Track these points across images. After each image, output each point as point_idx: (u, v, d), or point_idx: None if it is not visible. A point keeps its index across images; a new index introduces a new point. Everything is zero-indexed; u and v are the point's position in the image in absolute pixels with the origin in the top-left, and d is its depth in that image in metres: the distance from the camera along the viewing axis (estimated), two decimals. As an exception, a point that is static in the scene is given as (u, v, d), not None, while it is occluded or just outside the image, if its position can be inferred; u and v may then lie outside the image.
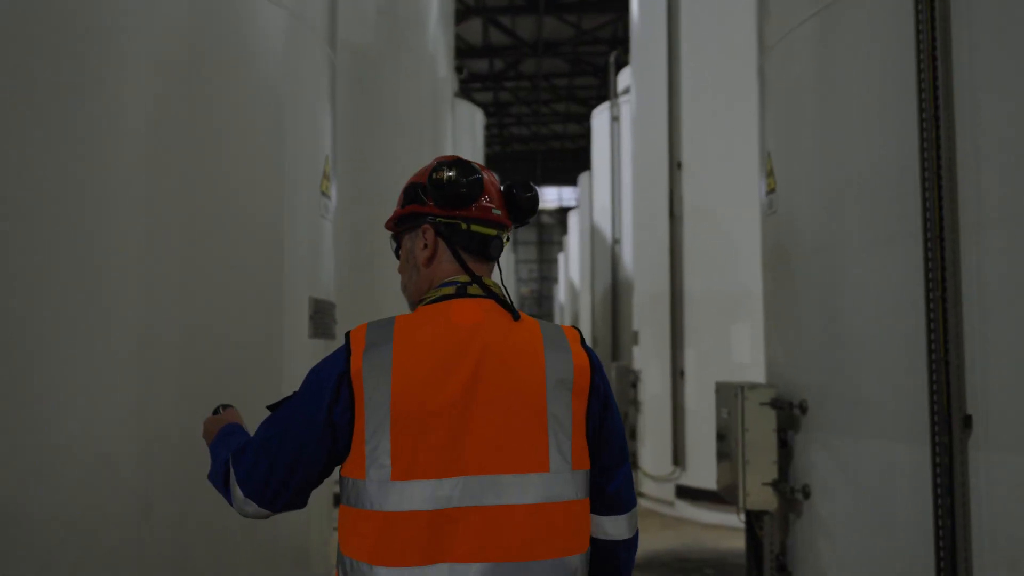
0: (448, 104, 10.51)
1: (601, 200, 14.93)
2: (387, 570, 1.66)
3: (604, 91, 32.03)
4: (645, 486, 9.58)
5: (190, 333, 3.36)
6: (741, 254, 8.60)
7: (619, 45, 19.46)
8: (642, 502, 9.60)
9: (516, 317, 1.85)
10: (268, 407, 1.89)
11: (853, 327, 3.80)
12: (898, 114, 3.47)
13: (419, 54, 9.51)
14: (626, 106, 14.00)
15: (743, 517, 4.48)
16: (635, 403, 9.87)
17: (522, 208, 1.98)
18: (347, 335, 1.78)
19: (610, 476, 1.87)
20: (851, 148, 3.82)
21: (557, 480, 1.74)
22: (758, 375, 8.75)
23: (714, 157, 8.84)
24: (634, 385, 9.86)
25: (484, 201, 1.91)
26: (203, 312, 3.42)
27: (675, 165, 9.11)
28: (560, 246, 33.52)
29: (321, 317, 4.26)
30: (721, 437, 4.58)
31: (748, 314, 8.53)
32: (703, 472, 8.76)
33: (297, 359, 3.97)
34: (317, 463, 1.75)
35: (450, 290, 1.86)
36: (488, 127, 34.99)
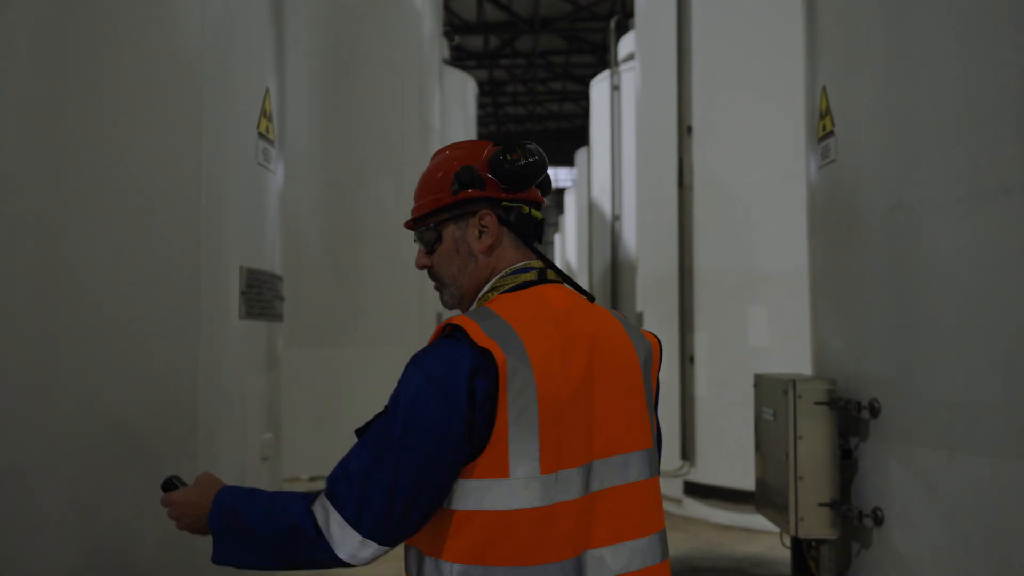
0: (435, 68, 9.50)
1: (600, 176, 13.93)
2: (533, 569, 1.56)
3: (602, 69, 30.99)
4: (650, 482, 8.65)
5: (51, 324, 2.40)
6: (758, 229, 7.64)
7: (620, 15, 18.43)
8: (646, 499, 8.67)
9: (592, 300, 1.82)
10: (357, 431, 1.66)
11: (944, 307, 2.85)
12: (1017, 26, 2.51)
13: (403, 10, 8.51)
14: (627, 74, 12.98)
15: (788, 543, 3.54)
16: (639, 391, 8.93)
17: (545, 191, 1.89)
18: (453, 325, 1.60)
19: (657, 450, 1.87)
20: (942, 74, 2.87)
21: (655, 455, 1.78)
22: (777, 363, 7.81)
23: (728, 121, 7.85)
24: (638, 372, 8.91)
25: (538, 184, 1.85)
26: (73, 293, 2.45)
27: (685, 130, 8.12)
28: (556, 227, 32.58)
29: (258, 293, 3.30)
30: (762, 445, 3.64)
31: (766, 295, 7.58)
32: (714, 467, 7.84)
33: (222, 348, 3.01)
34: (451, 477, 1.58)
35: (531, 275, 1.77)
36: (483, 106, 33.93)
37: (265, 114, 3.37)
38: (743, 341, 7.67)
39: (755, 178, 7.65)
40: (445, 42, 13.41)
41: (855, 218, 3.32)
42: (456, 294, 1.83)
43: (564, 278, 1.80)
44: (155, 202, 2.72)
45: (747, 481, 7.98)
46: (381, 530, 1.54)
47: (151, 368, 2.71)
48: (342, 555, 1.55)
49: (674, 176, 8.17)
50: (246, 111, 3.24)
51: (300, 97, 7.77)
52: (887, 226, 3.12)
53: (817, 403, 3.27)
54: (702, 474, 7.92)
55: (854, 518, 3.16)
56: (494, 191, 1.76)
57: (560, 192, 40.31)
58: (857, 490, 3.25)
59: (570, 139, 35.64)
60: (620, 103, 13.07)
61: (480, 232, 1.77)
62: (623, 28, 13.59)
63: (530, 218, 1.80)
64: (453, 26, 23.52)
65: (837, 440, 3.25)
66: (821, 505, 3.24)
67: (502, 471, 1.56)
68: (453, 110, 13.50)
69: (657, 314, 8.58)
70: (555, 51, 29.12)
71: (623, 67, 13.16)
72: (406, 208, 9.00)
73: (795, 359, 7.60)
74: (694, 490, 7.98)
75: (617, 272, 13.21)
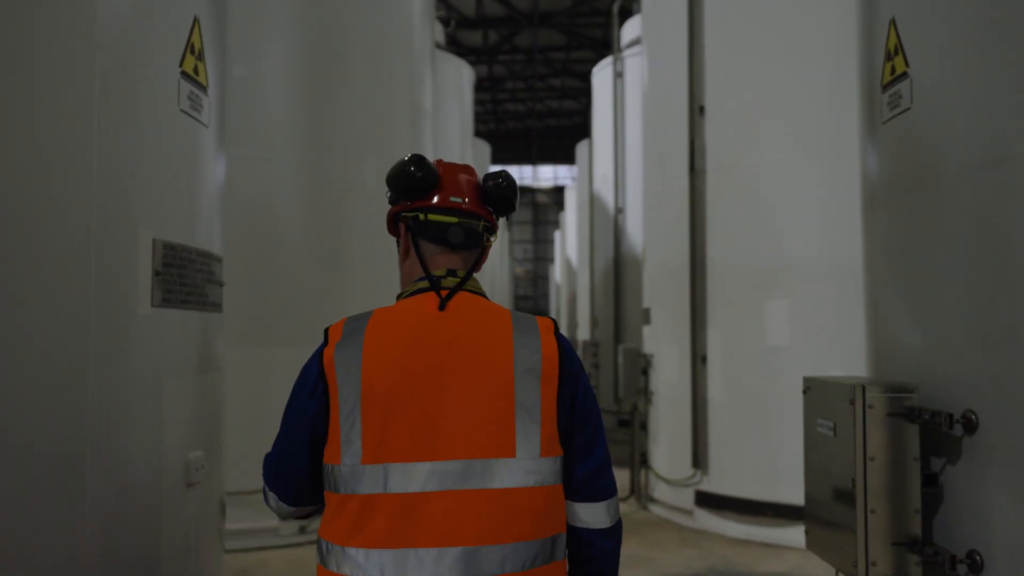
0: (427, 47, 8.75)
1: (602, 168, 13.18)
2: (356, 551, 1.67)
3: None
4: (659, 491, 7.90)
5: None
6: (777, 216, 6.90)
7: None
8: (655, 509, 7.92)
9: (442, 307, 1.83)
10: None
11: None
12: None
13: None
14: (631, 61, 12.24)
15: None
16: (645, 393, 8.17)
17: (492, 196, 1.97)
18: (326, 330, 1.82)
19: (583, 462, 1.84)
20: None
21: (523, 466, 1.73)
22: (798, 363, 7.07)
23: (745, 98, 7.11)
24: (644, 372, 8.16)
25: (444, 191, 1.93)
26: None
27: (696, 110, 7.38)
28: (557, 224, 31.86)
29: (181, 275, 2.56)
30: (816, 467, 2.90)
31: (787, 287, 6.84)
32: (729, 476, 7.09)
33: (125, 343, 2.27)
34: (305, 455, 1.78)
35: (425, 284, 1.88)
36: (482, 102, 33.21)
37: (193, 50, 2.63)
38: (761, 339, 6.93)
39: (775, 159, 6.91)
40: (440, 28, 12.66)
41: (937, 180, 2.58)
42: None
43: (461, 286, 1.87)
44: (32, 152, 1.98)
45: (766, 491, 7.29)
46: (278, 486, 1.84)
47: (27, 368, 1.98)
48: (269, 505, 1.89)
49: (685, 160, 7.42)
50: (164, 43, 2.50)
51: (277, 72, 7.03)
52: (983, 188, 2.38)
53: (891, 414, 2.53)
54: (716, 483, 7.18)
55: (944, 563, 2.41)
56: (402, 205, 1.94)
57: (561, 190, 39.64)
58: (945, 527, 2.50)
59: (570, 136, 34.93)
60: (623, 91, 12.33)
61: (399, 241, 2.00)
62: (626, 13, 12.85)
63: (429, 223, 1.91)
64: (453, 21, 22.78)
65: (919, 462, 2.50)
66: (897, 545, 2.50)
67: (336, 458, 1.72)
68: (449, 99, 12.76)
69: (666, 310, 7.84)
70: (555, 47, 28.44)
71: (626, 53, 12.42)
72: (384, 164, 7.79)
73: (820, 359, 6.86)
74: (707, 501, 7.23)
75: (620, 268, 12.46)
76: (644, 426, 8.26)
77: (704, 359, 7.29)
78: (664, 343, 7.83)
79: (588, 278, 16.10)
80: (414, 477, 1.68)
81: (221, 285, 2.93)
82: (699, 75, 7.37)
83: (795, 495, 7.13)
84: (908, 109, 2.72)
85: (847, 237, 6.80)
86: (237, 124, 6.97)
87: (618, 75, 12.35)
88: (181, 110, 2.58)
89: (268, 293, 6.85)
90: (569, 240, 22.54)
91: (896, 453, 2.49)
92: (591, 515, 1.84)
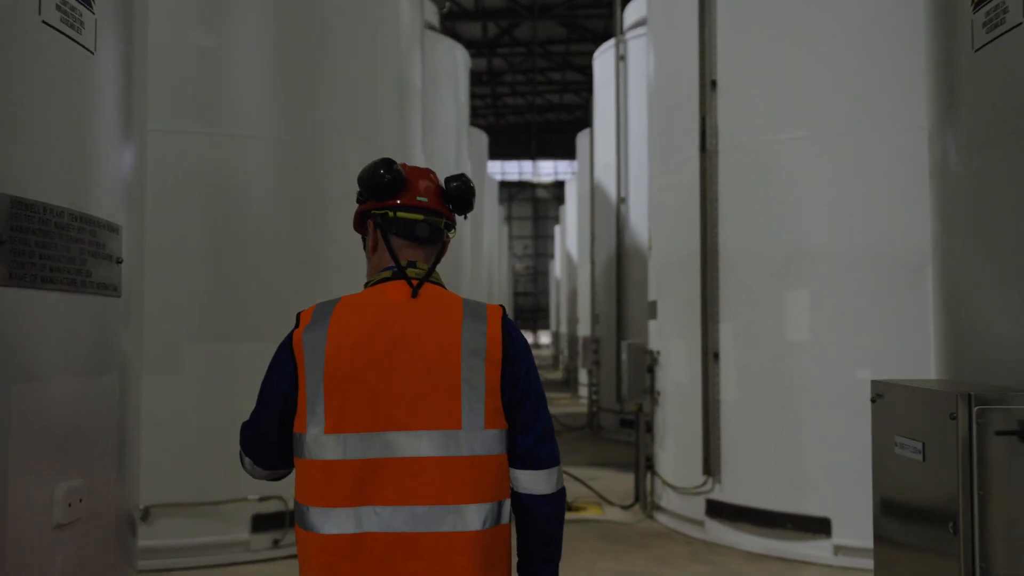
0: (417, 22, 8.05)
1: (604, 155, 12.48)
2: (319, 510, 1.85)
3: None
4: (666, 499, 7.20)
5: None
6: (797, 198, 6.21)
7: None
8: (662, 519, 7.23)
9: (414, 294, 2.00)
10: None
11: None
12: None
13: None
14: (634, 42, 11.53)
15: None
16: (651, 392, 7.48)
17: (452, 195, 2.14)
18: (298, 314, 2.00)
19: (525, 434, 1.98)
20: None
21: (468, 437, 1.89)
22: (820, 359, 6.36)
23: (761, 71, 6.40)
24: (650, 370, 7.46)
25: (410, 191, 2.10)
26: None
27: (708, 85, 6.67)
28: (557, 220, 31.15)
29: (44, 243, 1.86)
30: (897, 500, 2.20)
31: (807, 277, 6.14)
32: (744, 484, 6.40)
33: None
34: (277, 424, 1.97)
35: (387, 274, 2.06)
36: (482, 96, 32.50)
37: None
38: (779, 333, 6.24)
39: (794, 137, 6.21)
40: (434, 9, 11.96)
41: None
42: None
43: (405, 276, 2.03)
44: None
45: (785, 501, 6.31)
46: (252, 451, 2.06)
47: None
48: (247, 470, 2.11)
49: (695, 139, 6.72)
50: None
51: (250, 41, 6.33)
52: None
53: (1000, 432, 1.84)
54: (729, 492, 6.49)
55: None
56: (370, 204, 2.13)
57: (561, 185, 38.86)
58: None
59: (570, 131, 34.11)
60: (626, 75, 11.62)
61: (368, 236, 2.17)
62: (629, -7, 12.15)
63: (398, 220, 2.09)
64: (451, 13, 22.07)
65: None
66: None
67: (303, 427, 1.90)
68: (442, 85, 12.05)
69: (674, 303, 7.14)
70: (555, 40, 27.72)
71: (629, 35, 11.71)
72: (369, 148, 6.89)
73: (845, 356, 6.17)
74: (720, 511, 6.54)
75: (623, 259, 11.76)
76: (650, 428, 7.57)
77: (716, 356, 6.59)
78: (672, 339, 7.14)
79: (589, 272, 15.42)
80: (371, 445, 1.86)
81: (119, 262, 2.23)
82: (711, 48, 6.66)
83: (818, 505, 6.44)
84: (1018, 26, 2.02)
85: (875, 221, 6.12)
86: (204, 97, 6.31)
87: (620, 58, 11.64)
88: (44, 22, 1.89)
89: (238, 283, 6.16)
90: (570, 234, 21.86)
91: (1018, 485, 1.80)
92: (533, 481, 1.99)
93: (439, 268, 2.16)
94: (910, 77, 5.48)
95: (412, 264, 2.06)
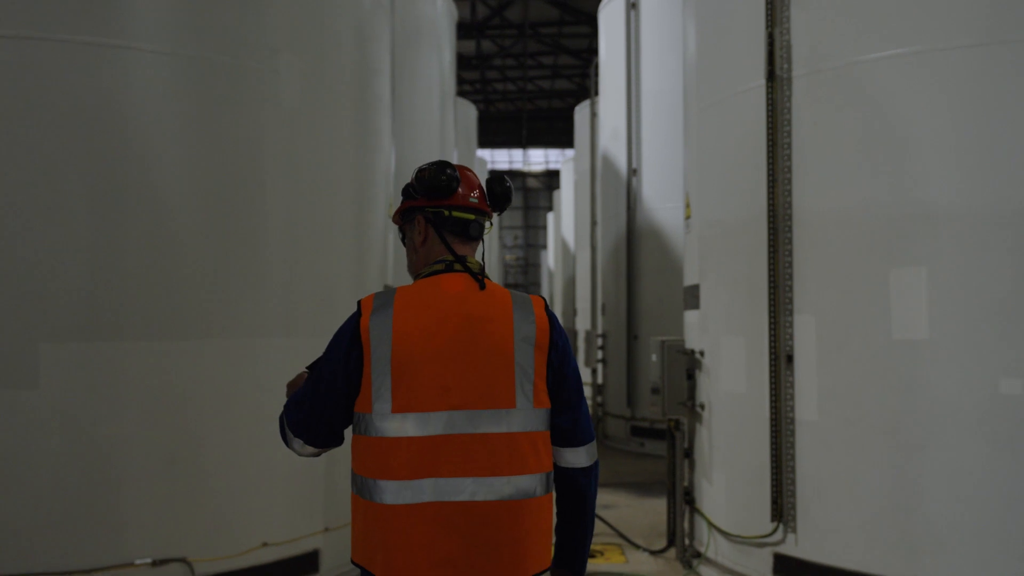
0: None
1: (612, 121, 10.51)
2: (387, 482, 2.01)
3: (597, 43, 27.57)
4: (713, 547, 5.27)
5: None
6: (905, 140, 4.30)
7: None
8: (708, 573, 5.30)
9: (482, 287, 2.16)
10: (307, 367, 2.24)
11: None
12: None
13: None
14: (648, -13, 9.60)
15: None
16: (691, 404, 5.55)
17: (497, 195, 2.30)
18: (359, 302, 2.13)
19: (567, 414, 2.17)
20: None
21: (520, 415, 2.08)
22: (946, 364, 3.88)
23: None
24: (690, 376, 5.53)
25: (462, 192, 2.22)
26: None
27: (776, -11, 4.74)
28: (549, 208, 29.25)
29: None
30: None
31: (925, 249, 4.23)
32: (832, 537, 4.47)
33: None
34: (339, 404, 2.11)
35: (440, 267, 2.20)
36: (471, 81, 30.50)
37: None
38: (883, 328, 4.32)
39: (902, 54, 4.29)
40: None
41: None
42: (412, 274, 2.30)
43: (469, 270, 2.19)
44: None
45: (891, 563, 4.07)
46: (303, 431, 2.15)
47: None
48: (291, 447, 2.20)
49: (759, 64, 4.80)
50: None
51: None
52: None
53: None
54: (808, 547, 4.57)
55: None
56: (423, 201, 2.23)
57: (552, 175, 36.91)
58: None
59: (562, 119, 32.22)
60: (638, 26, 9.69)
61: (418, 232, 2.25)
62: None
63: (454, 219, 2.22)
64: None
65: None
66: None
67: (368, 408, 2.06)
68: (423, 40, 10.05)
69: (726, 287, 5.20)
70: (547, 22, 25.74)
71: (642, -21, 9.78)
72: (322, 110, 5.08)
73: (984, 360, 4.28)
74: (794, 570, 4.64)
75: (635, 241, 9.83)
76: (689, 452, 5.64)
77: (790, 359, 4.68)
78: (723, 335, 5.21)
79: (589, 259, 13.52)
80: (437, 423, 2.02)
81: None
82: (781, -64, 4.73)
83: (943, 571, 3.99)
84: None
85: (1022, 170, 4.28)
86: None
87: (632, 6, 9.71)
88: None
89: (124, 260, 4.20)
90: (565, 220, 19.94)
91: None
92: (575, 457, 2.20)
93: None
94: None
95: (463, 259, 2.20)
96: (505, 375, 2.06)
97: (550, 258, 25.77)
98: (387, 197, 5.98)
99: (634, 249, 9.79)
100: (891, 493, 4.30)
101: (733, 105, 5.09)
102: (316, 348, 4.21)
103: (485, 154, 30.98)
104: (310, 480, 4.79)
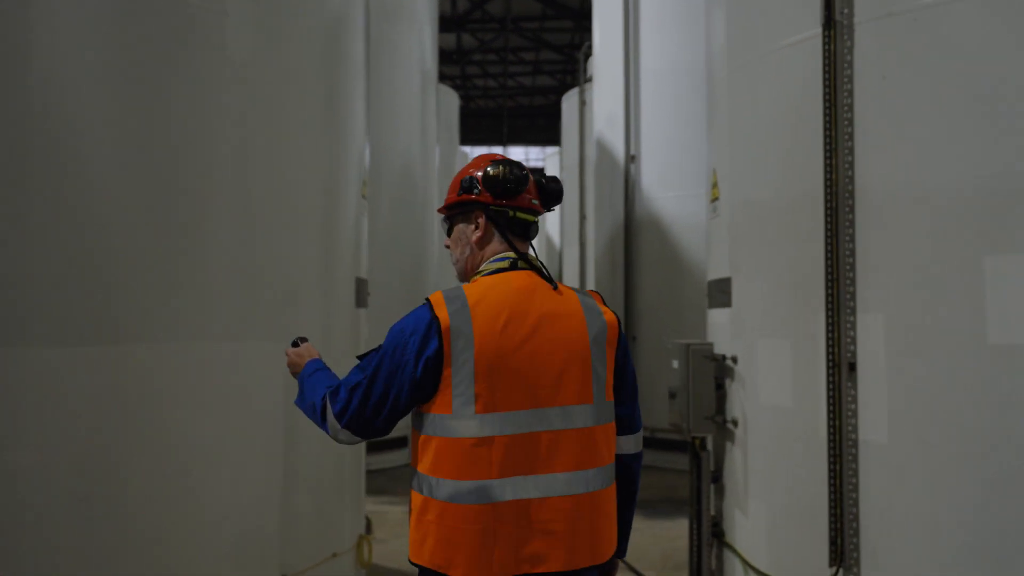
0: None
1: (607, 105, 9.59)
2: (471, 483, 1.97)
3: (581, 39, 26.62)
4: (750, 592, 4.37)
5: None
6: (998, 98, 3.43)
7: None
8: (742, 621, 4.39)
9: (555, 287, 2.16)
10: (357, 357, 2.16)
11: None
12: None
13: None
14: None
15: None
16: (722, 420, 4.64)
17: (549, 194, 2.28)
18: (427, 299, 2.07)
19: (627, 405, 2.27)
20: None
21: (597, 409, 2.10)
22: None
23: None
24: (720, 385, 4.62)
25: (527, 194, 2.22)
26: None
27: (833, -80, 3.85)
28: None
29: None
30: None
31: (1030, 232, 3.36)
32: (906, 584, 3.61)
33: None
34: (404, 400, 2.05)
35: (504, 264, 2.17)
36: (451, 77, 29.52)
37: None
38: (976, 330, 3.42)
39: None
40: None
41: None
42: (460, 270, 2.27)
43: (534, 268, 2.18)
44: None
45: None
46: (355, 425, 2.10)
47: None
48: (329, 433, 2.16)
49: (815, 8, 3.90)
50: None
51: None
52: None
53: None
54: (878, 597, 3.68)
55: None
56: (487, 198, 2.18)
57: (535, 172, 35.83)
58: None
59: (544, 116, 31.32)
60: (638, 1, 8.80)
61: (475, 228, 2.21)
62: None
63: (517, 220, 2.21)
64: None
65: None
66: None
67: (447, 409, 2.00)
68: (401, 16, 9.12)
69: (768, 279, 4.29)
70: (529, 16, 24.84)
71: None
72: (277, 62, 4.15)
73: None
74: (856, 625, 3.74)
75: (633, 233, 8.93)
76: (717, 476, 4.73)
77: (853, 367, 3.78)
78: (762, 337, 4.30)
79: (577, 256, 12.63)
80: (521, 422, 1.99)
81: None
82: None
83: None
84: None
85: None
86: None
87: (631, -21, 8.81)
88: None
89: (27, 249, 3.21)
90: (548, 217, 19.05)
91: None
92: (628, 444, 2.29)
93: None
94: None
95: (523, 256, 2.19)
96: (583, 370, 2.09)
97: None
98: (360, 179, 5.02)
99: (632, 242, 8.89)
100: (979, 533, 3.41)
101: (776, 62, 4.19)
102: (274, 353, 3.20)
103: (466, 151, 30.08)
104: (260, 517, 3.83)
